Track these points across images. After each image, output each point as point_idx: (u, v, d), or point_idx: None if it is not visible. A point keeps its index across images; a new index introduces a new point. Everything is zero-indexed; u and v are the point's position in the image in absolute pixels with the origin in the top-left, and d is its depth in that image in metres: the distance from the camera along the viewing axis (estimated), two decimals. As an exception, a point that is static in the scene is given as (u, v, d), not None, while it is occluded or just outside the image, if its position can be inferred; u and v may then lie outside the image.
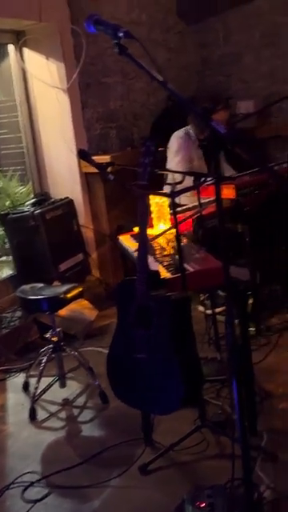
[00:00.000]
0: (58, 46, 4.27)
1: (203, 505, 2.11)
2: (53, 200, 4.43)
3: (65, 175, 4.59)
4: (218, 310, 3.51)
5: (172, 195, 2.45)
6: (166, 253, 2.81)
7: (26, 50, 4.39)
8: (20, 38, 4.33)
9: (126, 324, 2.38)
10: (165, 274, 2.53)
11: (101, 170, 3.01)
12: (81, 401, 3.17)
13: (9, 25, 4.18)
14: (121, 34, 1.70)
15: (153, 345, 2.30)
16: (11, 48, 4.40)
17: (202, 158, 4.12)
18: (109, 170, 3.02)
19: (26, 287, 3.31)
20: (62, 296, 3.15)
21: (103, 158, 4.18)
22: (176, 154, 4.05)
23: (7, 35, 4.31)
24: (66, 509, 2.32)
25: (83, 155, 2.96)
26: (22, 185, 5.09)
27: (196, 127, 4.06)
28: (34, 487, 2.46)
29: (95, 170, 4.42)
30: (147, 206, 2.51)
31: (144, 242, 2.33)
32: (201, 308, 3.93)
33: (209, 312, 3.56)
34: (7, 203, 4.94)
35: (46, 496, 2.39)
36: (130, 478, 2.44)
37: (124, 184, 2.65)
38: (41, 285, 3.36)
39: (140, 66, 1.69)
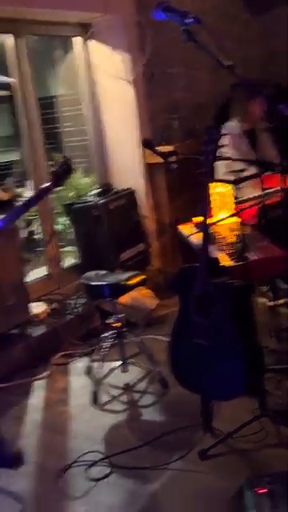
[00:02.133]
0: (123, 37, 4.33)
1: (263, 491, 2.11)
2: (115, 190, 4.50)
3: (128, 166, 4.65)
4: (280, 301, 3.48)
5: (235, 182, 2.45)
6: (228, 241, 2.81)
7: (91, 43, 4.47)
8: (86, 31, 4.42)
9: (187, 310, 2.41)
10: (227, 261, 2.54)
11: (164, 158, 3.05)
12: (141, 386, 3.23)
13: (75, 18, 4.27)
14: (189, 21, 1.72)
15: (215, 331, 2.32)
16: (77, 40, 4.49)
17: (249, 145, 4.06)
18: (172, 159, 3.06)
19: (90, 274, 3.40)
20: (123, 283, 3.21)
21: (166, 148, 4.20)
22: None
23: (73, 28, 4.41)
24: (127, 489, 2.37)
25: (147, 144, 3.01)
26: (85, 176, 5.20)
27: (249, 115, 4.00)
28: (96, 466, 2.53)
29: (158, 161, 4.48)
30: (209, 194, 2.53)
31: (207, 229, 2.35)
32: (263, 300, 3.90)
33: (270, 304, 3.53)
34: (71, 194, 5.06)
35: (108, 475, 2.46)
36: (189, 462, 2.47)
37: (190, 171, 2.67)
38: (104, 272, 3.43)
39: (207, 52, 1.70)
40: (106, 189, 4.50)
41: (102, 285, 3.19)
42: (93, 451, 2.62)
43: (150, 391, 3.16)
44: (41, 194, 2.54)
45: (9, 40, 4.05)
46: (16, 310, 3.57)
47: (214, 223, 2.83)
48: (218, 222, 2.84)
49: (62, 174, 2.53)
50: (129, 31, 4.33)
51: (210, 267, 2.31)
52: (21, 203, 2.53)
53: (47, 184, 2.53)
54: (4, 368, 3.37)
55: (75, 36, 4.49)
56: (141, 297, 4.15)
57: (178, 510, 2.24)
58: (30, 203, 2.51)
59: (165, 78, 4.71)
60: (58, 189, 5.12)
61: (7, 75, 6.08)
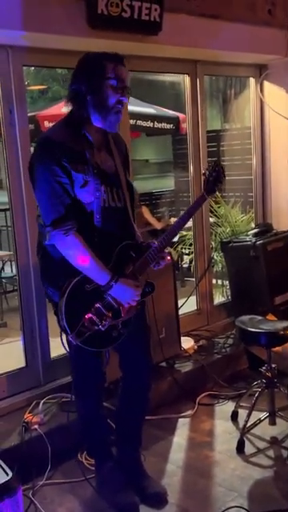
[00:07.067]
0: (299, 79, 4.29)
1: None
2: (275, 231, 4.41)
3: (289, 207, 4.56)
4: None
5: None
6: None
7: (266, 83, 4.48)
8: (262, 72, 4.43)
9: None
10: None
11: None
12: (290, 443, 3.10)
13: (253, 59, 4.31)
14: None
15: None
16: (252, 81, 4.52)
17: None
18: None
19: (245, 318, 3.34)
20: (282, 332, 3.11)
21: None
22: None
23: (250, 69, 4.46)
24: None
25: None
26: (242, 213, 5.17)
27: None
28: (240, 522, 2.46)
29: None
30: None
31: None
32: None
33: None
34: (227, 230, 5.06)
35: (252, 535, 2.38)
36: None
37: None
38: (259, 318, 3.36)
39: None
40: (265, 229, 4.42)
41: (258, 332, 3.13)
42: (238, 506, 2.54)
43: (300, 450, 3.02)
44: (196, 205, 2.46)
45: (185, 79, 4.17)
46: (167, 344, 3.61)
47: None
48: None
49: (213, 181, 2.42)
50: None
51: None
52: (178, 219, 2.49)
53: (200, 194, 2.45)
54: (151, 401, 3.40)
55: (249, 76, 4.52)
56: (291, 345, 4.00)
57: None
58: (187, 215, 2.42)
59: None
60: (212, 220, 5.18)
61: (179, 109, 6.32)
